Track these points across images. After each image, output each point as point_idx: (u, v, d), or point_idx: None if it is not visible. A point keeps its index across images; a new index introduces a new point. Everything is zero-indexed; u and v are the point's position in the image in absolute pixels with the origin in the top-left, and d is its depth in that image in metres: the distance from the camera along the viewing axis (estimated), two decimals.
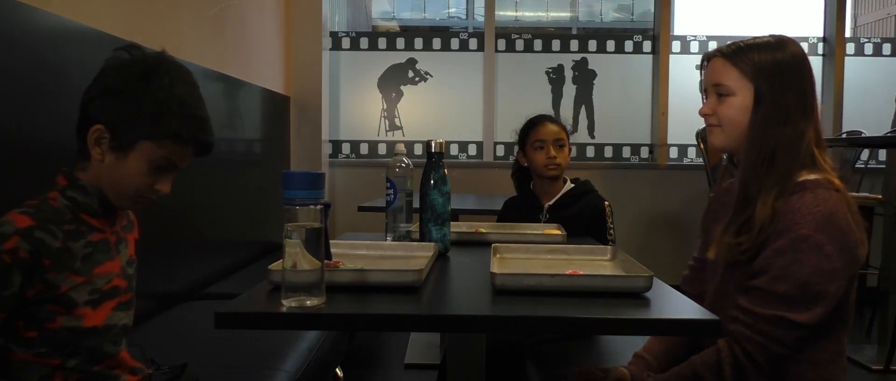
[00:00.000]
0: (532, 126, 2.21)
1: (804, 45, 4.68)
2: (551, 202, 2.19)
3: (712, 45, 4.35)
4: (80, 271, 1.14)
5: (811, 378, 1.22)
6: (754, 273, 1.21)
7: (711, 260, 1.33)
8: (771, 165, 1.22)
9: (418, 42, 4.40)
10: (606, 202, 2.18)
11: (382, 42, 4.40)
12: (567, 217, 2.09)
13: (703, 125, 1.36)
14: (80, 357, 1.16)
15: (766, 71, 1.25)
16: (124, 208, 1.23)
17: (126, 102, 1.16)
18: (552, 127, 2.18)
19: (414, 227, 1.61)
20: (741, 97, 1.26)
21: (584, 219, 2.10)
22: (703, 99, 1.37)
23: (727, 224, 1.26)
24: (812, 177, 1.22)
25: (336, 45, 4.36)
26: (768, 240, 1.19)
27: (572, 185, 2.22)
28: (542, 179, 2.20)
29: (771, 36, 1.30)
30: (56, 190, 1.17)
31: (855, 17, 16.49)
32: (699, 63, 1.40)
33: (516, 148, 2.26)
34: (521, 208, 2.26)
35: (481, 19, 4.42)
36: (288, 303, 0.98)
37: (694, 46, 4.37)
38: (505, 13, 5.91)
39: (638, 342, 1.47)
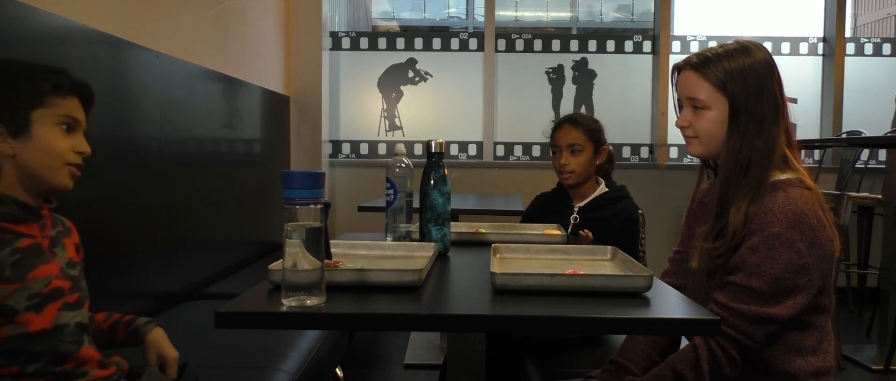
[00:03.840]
0: (553, 129, 2.15)
1: (804, 46, 4.70)
2: (583, 204, 2.12)
3: (712, 45, 4.36)
4: (10, 278, 1.12)
5: (800, 365, 1.26)
6: (730, 270, 1.26)
7: (694, 269, 1.35)
8: (745, 174, 1.26)
9: (418, 42, 4.40)
10: (640, 211, 2.12)
11: (382, 42, 4.40)
12: (597, 221, 2.04)
13: None
14: (40, 361, 1.16)
15: (738, 82, 1.26)
16: (63, 185, 1.21)
17: None
18: (570, 131, 2.09)
19: (414, 227, 1.61)
20: (716, 111, 1.29)
21: (614, 226, 2.03)
22: (675, 110, 1.39)
23: (706, 233, 1.30)
24: (784, 177, 1.27)
25: (336, 45, 4.36)
26: (743, 240, 1.24)
27: (607, 189, 2.14)
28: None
29: (736, 42, 1.31)
30: None
31: (855, 17, 16.49)
32: (670, 74, 1.42)
33: None
34: (552, 205, 2.20)
35: (481, 19, 4.42)
36: (288, 303, 0.97)
37: (694, 46, 4.37)
38: (505, 13, 5.91)
39: None
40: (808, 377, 1.26)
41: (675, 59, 4.31)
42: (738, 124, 1.27)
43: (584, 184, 2.13)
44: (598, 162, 2.12)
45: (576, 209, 2.12)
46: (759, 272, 1.20)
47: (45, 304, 1.16)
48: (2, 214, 1.15)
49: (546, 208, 2.22)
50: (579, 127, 2.10)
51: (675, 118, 1.39)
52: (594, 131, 2.11)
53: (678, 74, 1.36)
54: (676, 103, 1.38)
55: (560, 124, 2.14)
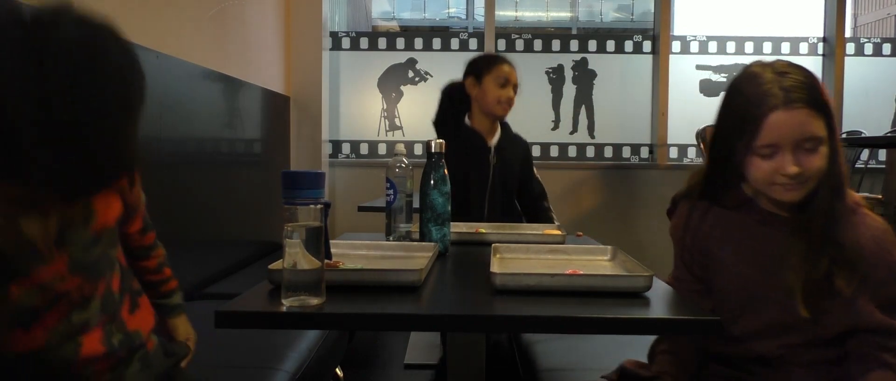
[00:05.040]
0: (497, 61, 2.28)
1: (804, 46, 4.69)
2: (495, 142, 2.32)
3: (712, 46, 4.37)
4: None
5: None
6: (862, 312, 1.17)
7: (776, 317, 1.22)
8: (841, 196, 1.20)
9: (418, 42, 4.40)
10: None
11: (382, 42, 4.40)
12: (509, 158, 2.31)
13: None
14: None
15: (827, 105, 1.16)
16: None
17: None
18: (514, 72, 2.30)
19: (414, 227, 1.61)
20: (826, 142, 1.16)
21: (519, 160, 2.38)
22: (749, 158, 1.17)
23: (815, 270, 1.16)
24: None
25: (336, 45, 4.36)
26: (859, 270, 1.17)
27: (499, 124, 2.37)
28: (485, 116, 2.29)
29: (786, 64, 1.17)
30: None
31: (855, 17, 16.49)
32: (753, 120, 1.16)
33: (466, 73, 2.32)
34: (464, 144, 2.28)
35: (481, 19, 4.42)
36: (288, 303, 0.98)
37: (694, 46, 4.37)
38: (505, 13, 5.92)
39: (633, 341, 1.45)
40: None
41: (675, 59, 4.31)
42: (834, 147, 1.17)
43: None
44: None
45: (493, 150, 2.31)
46: None
47: (37, 318, 0.94)
48: None
49: (461, 150, 2.22)
50: (515, 68, 2.33)
51: (759, 166, 1.16)
52: None
53: (771, 118, 1.13)
54: (762, 150, 1.15)
55: (508, 61, 2.30)
